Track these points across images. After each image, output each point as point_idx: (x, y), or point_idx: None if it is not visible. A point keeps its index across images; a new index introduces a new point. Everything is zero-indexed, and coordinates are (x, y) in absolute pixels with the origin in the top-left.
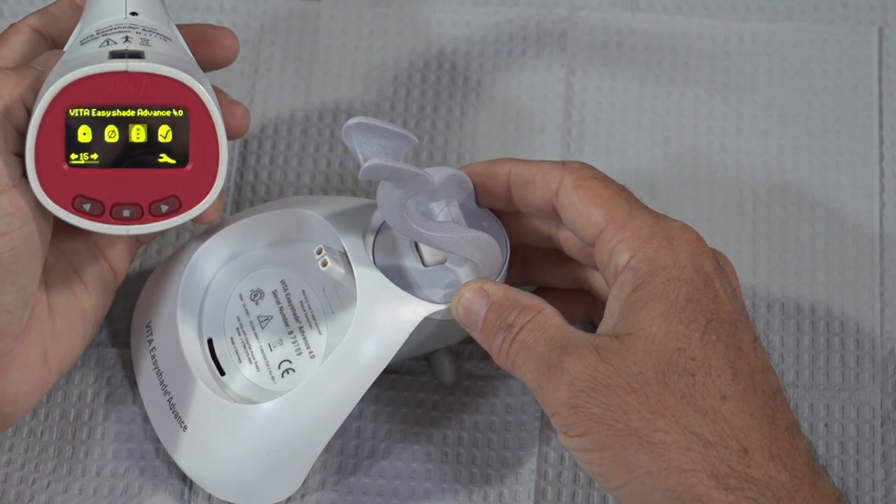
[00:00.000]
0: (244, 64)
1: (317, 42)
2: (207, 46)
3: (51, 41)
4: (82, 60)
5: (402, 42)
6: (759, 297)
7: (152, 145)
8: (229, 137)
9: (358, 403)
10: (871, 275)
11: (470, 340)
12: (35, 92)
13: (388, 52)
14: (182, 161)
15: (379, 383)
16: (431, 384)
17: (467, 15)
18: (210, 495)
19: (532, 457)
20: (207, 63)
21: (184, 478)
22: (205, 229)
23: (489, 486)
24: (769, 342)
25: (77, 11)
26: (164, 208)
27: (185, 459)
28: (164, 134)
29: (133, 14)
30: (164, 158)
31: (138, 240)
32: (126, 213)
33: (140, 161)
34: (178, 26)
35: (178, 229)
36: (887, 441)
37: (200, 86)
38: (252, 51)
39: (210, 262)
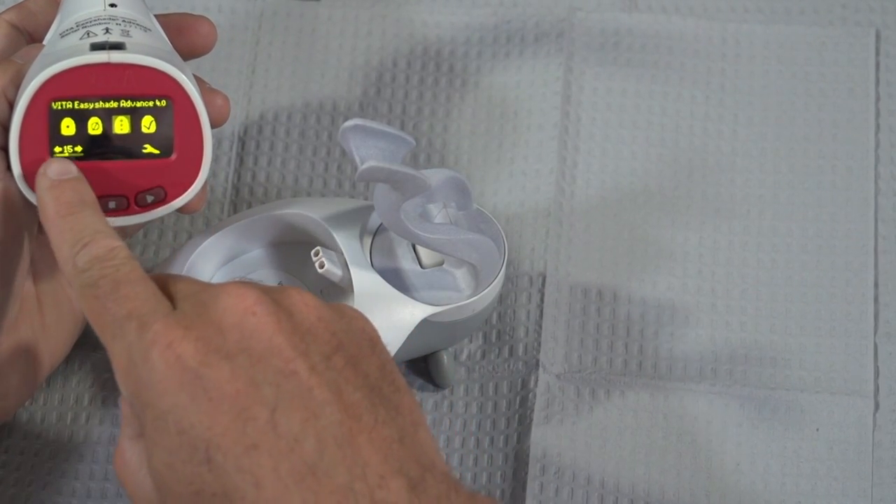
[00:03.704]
0: (242, 64)
1: (314, 43)
2: (185, 35)
3: (28, 36)
4: (63, 53)
5: (400, 43)
6: (749, 298)
7: (136, 136)
8: (211, 126)
9: None
10: (865, 278)
11: (469, 341)
12: (16, 85)
13: (386, 54)
14: (166, 151)
15: None
16: (429, 385)
17: (465, 17)
18: None
19: (530, 455)
20: (186, 51)
21: None
22: (202, 230)
23: (490, 487)
24: (759, 346)
25: (54, 6)
26: (150, 199)
27: None
28: (148, 124)
29: (112, 5)
30: (149, 149)
31: (125, 231)
32: (112, 204)
33: (124, 152)
34: (156, 16)
35: (175, 230)
36: (880, 446)
37: (183, 75)
38: (250, 51)
39: (207, 263)
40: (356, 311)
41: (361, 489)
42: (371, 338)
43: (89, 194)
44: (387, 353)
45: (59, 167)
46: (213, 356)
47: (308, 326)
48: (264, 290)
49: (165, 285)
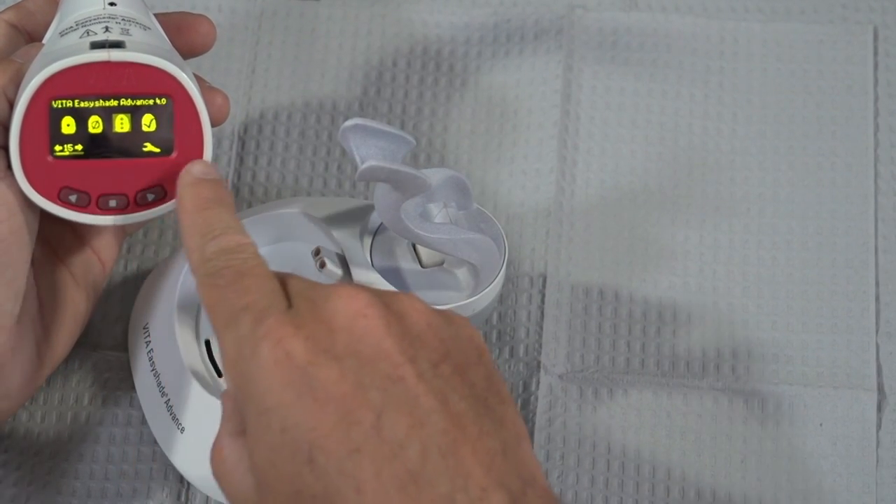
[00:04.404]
0: (242, 64)
1: (314, 42)
2: (184, 34)
3: (27, 36)
4: (63, 52)
5: (400, 43)
6: (751, 295)
7: (136, 134)
8: (211, 125)
9: None
10: (866, 275)
11: None
12: (16, 85)
13: (386, 53)
14: (167, 149)
15: None
16: None
17: (465, 16)
18: (207, 497)
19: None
20: (185, 50)
21: (181, 479)
22: None
23: None
24: (761, 342)
25: (52, 5)
26: (151, 197)
27: (183, 461)
28: (148, 123)
29: (111, 4)
30: (149, 147)
31: (125, 230)
32: (112, 203)
33: (125, 150)
34: (155, 15)
35: (175, 230)
36: (882, 443)
37: (183, 73)
38: (250, 51)
39: None
40: (464, 318)
41: (463, 500)
42: (478, 346)
43: (228, 196)
44: (493, 363)
45: (204, 168)
46: (322, 356)
47: (417, 332)
48: (375, 294)
49: (285, 281)
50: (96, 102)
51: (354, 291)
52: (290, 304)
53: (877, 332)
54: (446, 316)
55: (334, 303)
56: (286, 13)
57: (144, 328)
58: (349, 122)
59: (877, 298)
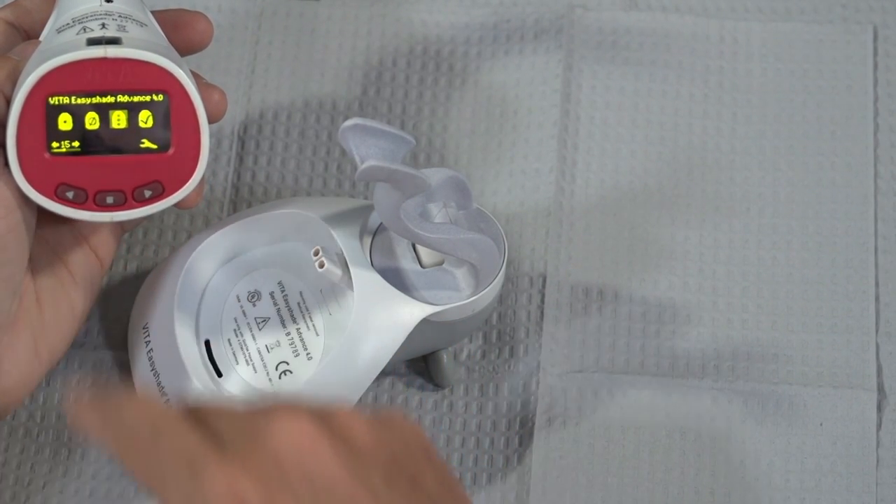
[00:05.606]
0: (241, 64)
1: (314, 42)
2: (181, 31)
3: (24, 33)
4: (60, 49)
5: (400, 42)
6: (751, 295)
7: (133, 131)
8: (208, 122)
9: (355, 405)
10: (866, 275)
11: (468, 341)
12: (13, 81)
13: (386, 53)
14: (164, 146)
15: (377, 385)
16: (429, 385)
17: (465, 16)
18: None
19: (531, 457)
20: (182, 47)
21: None
22: (202, 230)
23: (489, 487)
24: (761, 342)
25: (49, 3)
26: (148, 193)
27: None
28: (145, 119)
29: (108, 1)
30: (146, 144)
31: (122, 226)
32: (109, 199)
33: (122, 147)
34: (153, 12)
35: (175, 230)
36: (882, 443)
37: (180, 70)
38: (249, 51)
39: (207, 263)
40: (405, 420)
41: None
42: (425, 448)
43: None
44: (441, 460)
45: None
46: (277, 494)
47: (365, 451)
48: (316, 417)
49: (208, 421)
50: (93, 99)
51: (293, 418)
52: (223, 443)
53: (877, 332)
54: (388, 423)
55: (277, 437)
56: (286, 13)
57: (144, 328)
58: (349, 122)
59: (877, 298)
